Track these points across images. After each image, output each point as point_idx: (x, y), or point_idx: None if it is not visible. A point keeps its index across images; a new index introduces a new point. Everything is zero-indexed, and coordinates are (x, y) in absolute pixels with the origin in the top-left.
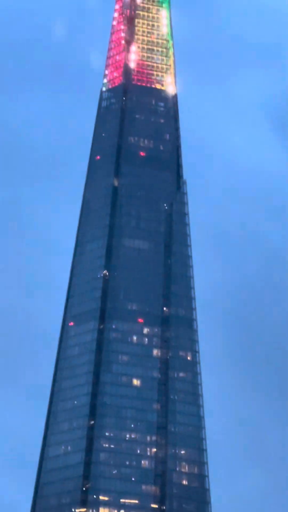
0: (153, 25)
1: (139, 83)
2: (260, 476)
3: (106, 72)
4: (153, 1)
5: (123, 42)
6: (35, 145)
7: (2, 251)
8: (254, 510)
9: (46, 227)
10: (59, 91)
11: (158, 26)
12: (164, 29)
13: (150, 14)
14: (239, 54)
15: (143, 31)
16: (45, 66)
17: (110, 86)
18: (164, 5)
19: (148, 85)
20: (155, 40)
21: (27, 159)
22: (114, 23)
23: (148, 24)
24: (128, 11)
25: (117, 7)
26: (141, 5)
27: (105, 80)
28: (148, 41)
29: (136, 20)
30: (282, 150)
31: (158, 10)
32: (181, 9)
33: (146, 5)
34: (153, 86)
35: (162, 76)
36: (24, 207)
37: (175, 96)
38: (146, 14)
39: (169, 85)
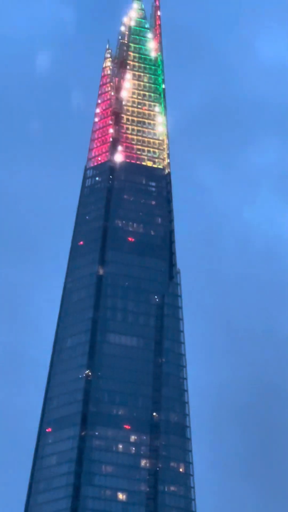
0: (143, 95)
1: (127, 160)
2: None
3: (91, 146)
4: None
5: (110, 113)
6: (19, 220)
7: None
8: None
9: (26, 314)
10: (46, 163)
11: (150, 96)
12: (157, 101)
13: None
14: (253, 120)
15: (133, 102)
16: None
17: (95, 163)
18: (158, 73)
19: (138, 162)
20: (146, 111)
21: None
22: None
23: (139, 94)
24: (116, 79)
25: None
26: (131, 71)
27: (89, 156)
28: (139, 112)
29: (125, 89)
30: None
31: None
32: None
33: (136, 68)
34: (143, 163)
35: (154, 152)
36: (6, 288)
37: (169, 175)
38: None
39: (162, 162)
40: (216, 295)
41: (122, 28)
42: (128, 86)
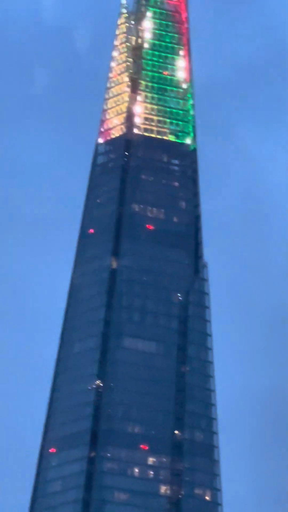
0: (166, 57)
1: (146, 134)
2: None
3: (103, 117)
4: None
5: (126, 79)
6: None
7: None
8: None
9: (27, 315)
10: (50, 137)
11: (172, 58)
12: (181, 63)
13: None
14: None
15: (153, 65)
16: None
17: (108, 138)
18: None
19: (159, 136)
20: (168, 76)
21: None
22: (115, 53)
23: (160, 57)
24: (133, 38)
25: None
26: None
27: (101, 129)
28: (160, 78)
29: (144, 51)
30: None
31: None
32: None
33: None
34: (165, 137)
35: (177, 124)
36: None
37: (194, 151)
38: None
39: (187, 137)
40: (253, 292)
41: None
42: (147, 46)
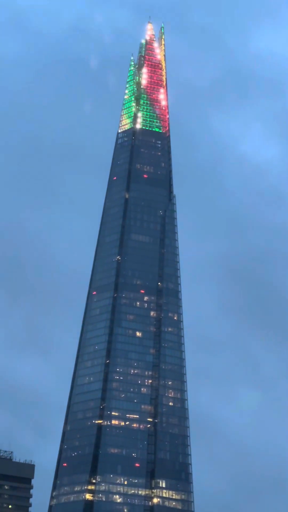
0: (152, 105)
1: (144, 128)
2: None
3: (121, 119)
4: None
5: (133, 99)
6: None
7: None
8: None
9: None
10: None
11: (158, 93)
12: (162, 96)
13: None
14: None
15: (146, 91)
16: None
17: (123, 129)
18: (162, 84)
19: (150, 129)
20: (154, 97)
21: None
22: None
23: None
24: (137, 77)
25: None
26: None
27: (120, 125)
28: (150, 98)
29: (143, 85)
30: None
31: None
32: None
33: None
34: (153, 130)
35: (159, 123)
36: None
37: (168, 137)
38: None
39: (164, 129)
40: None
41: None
42: (144, 82)
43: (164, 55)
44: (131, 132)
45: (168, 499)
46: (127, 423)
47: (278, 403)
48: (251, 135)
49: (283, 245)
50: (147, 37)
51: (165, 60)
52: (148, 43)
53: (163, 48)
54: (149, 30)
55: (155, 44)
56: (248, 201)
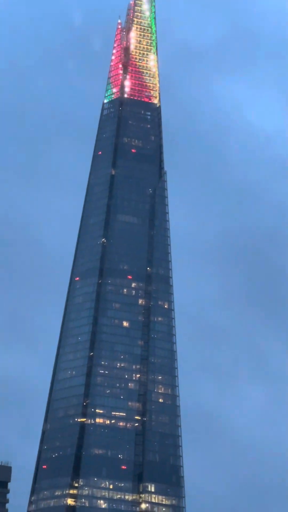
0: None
1: (131, 97)
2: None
3: (107, 88)
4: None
5: (120, 64)
6: None
7: None
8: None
9: None
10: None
11: (147, 60)
12: (152, 63)
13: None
14: None
15: (135, 58)
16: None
17: (109, 99)
18: (153, 50)
19: (139, 99)
20: (144, 64)
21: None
22: (114, 51)
23: (140, 53)
24: (124, 42)
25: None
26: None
27: (106, 94)
28: (139, 65)
29: (131, 50)
30: None
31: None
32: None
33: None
34: (142, 99)
35: (149, 92)
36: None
37: (159, 108)
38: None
39: (155, 99)
40: (194, 190)
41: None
42: (132, 47)
43: (155, 18)
44: (118, 102)
45: (158, 504)
46: (112, 421)
47: (287, 400)
48: (258, 101)
49: None
50: None
51: (155, 23)
52: (137, 4)
53: (153, 9)
54: None
55: (145, 6)
56: (253, 175)
